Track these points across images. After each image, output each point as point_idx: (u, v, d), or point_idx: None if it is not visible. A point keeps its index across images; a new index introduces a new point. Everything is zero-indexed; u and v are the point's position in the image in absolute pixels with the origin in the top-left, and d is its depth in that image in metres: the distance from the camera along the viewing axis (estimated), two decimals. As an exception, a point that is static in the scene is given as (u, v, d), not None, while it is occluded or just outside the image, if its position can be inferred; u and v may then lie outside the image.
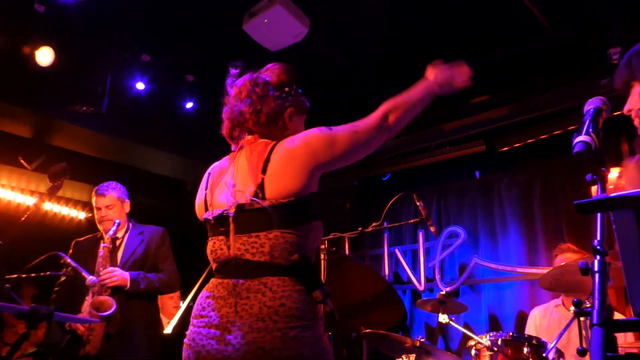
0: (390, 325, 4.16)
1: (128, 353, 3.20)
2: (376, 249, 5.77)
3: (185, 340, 1.70)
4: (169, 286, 3.29)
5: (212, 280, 1.74)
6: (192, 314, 1.72)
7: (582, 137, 1.31)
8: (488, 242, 5.13)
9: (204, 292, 1.73)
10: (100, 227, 3.57)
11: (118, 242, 3.52)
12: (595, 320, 1.10)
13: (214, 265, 1.76)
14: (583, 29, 4.16)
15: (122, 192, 3.62)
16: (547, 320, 3.55)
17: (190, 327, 1.70)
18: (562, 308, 3.54)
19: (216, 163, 1.89)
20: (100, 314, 3.16)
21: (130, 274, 3.30)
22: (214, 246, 1.73)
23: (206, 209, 1.79)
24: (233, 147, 1.88)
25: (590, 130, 1.33)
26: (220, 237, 1.71)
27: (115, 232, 3.45)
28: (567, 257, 3.48)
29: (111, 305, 3.17)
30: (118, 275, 3.27)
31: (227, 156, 1.88)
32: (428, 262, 5.34)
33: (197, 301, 1.73)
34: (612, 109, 1.52)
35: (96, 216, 3.58)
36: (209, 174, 1.85)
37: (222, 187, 1.78)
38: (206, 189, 1.82)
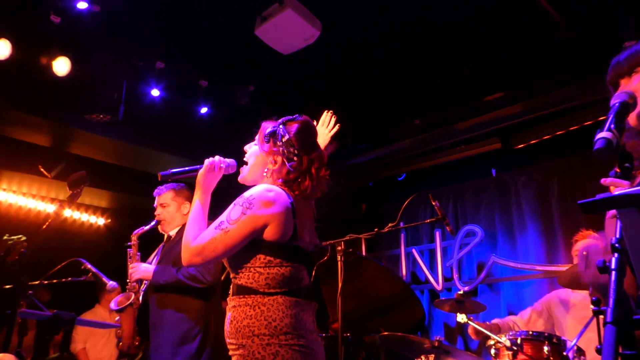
0: (409, 326, 4.15)
1: (155, 349, 3.20)
2: (393, 249, 5.76)
3: (301, 348, 1.88)
4: (195, 279, 3.15)
5: (292, 299, 1.93)
6: (295, 326, 1.89)
7: (603, 134, 1.25)
8: (506, 241, 5.10)
9: (295, 310, 1.92)
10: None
11: (173, 242, 3.50)
12: (609, 319, 1.08)
13: (288, 287, 1.94)
14: (594, 24, 4.13)
15: (180, 193, 3.57)
16: (570, 302, 3.52)
17: (301, 339, 1.89)
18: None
19: (286, 194, 1.99)
20: (117, 307, 3.26)
21: (155, 268, 3.31)
22: (298, 273, 1.98)
23: (295, 237, 1.97)
24: (288, 193, 2.01)
25: (612, 126, 1.27)
26: (302, 268, 2.00)
27: (138, 232, 3.56)
28: (587, 243, 3.44)
29: (129, 298, 3.28)
30: (139, 270, 3.33)
31: (289, 194, 2.00)
32: (445, 261, 5.32)
33: (294, 316, 1.91)
34: None
35: None
36: (292, 204, 1.98)
37: (306, 224, 2.04)
38: (294, 219, 1.97)
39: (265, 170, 2.05)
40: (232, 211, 1.92)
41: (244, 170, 2.13)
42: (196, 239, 1.92)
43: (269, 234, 1.92)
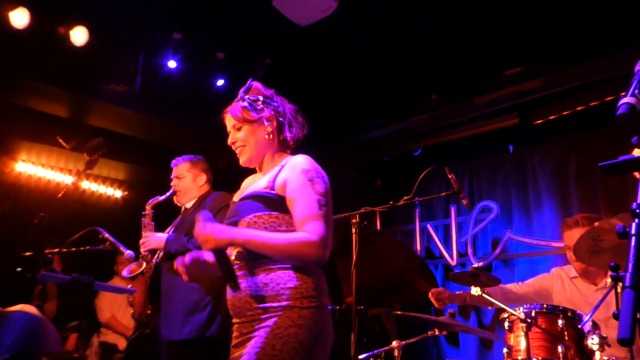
0: (423, 301, 4.16)
1: (165, 318, 3.25)
2: (408, 224, 5.76)
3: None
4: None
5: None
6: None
7: (626, 99, 1.23)
8: (522, 217, 5.06)
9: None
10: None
11: (188, 213, 3.50)
12: (627, 283, 1.07)
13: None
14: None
15: (196, 165, 3.55)
16: (569, 291, 3.46)
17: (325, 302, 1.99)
18: (579, 281, 3.45)
19: None
20: (129, 275, 3.30)
21: (168, 237, 3.30)
22: None
23: None
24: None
25: (637, 91, 1.25)
26: None
27: (153, 202, 3.56)
28: (573, 234, 3.25)
29: (141, 266, 3.33)
30: (152, 239, 3.32)
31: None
32: (460, 237, 5.30)
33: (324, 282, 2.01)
34: None
35: None
36: None
37: None
38: None
39: (266, 134, 2.10)
40: (316, 186, 1.93)
41: (245, 152, 2.13)
42: (311, 232, 1.86)
43: None
